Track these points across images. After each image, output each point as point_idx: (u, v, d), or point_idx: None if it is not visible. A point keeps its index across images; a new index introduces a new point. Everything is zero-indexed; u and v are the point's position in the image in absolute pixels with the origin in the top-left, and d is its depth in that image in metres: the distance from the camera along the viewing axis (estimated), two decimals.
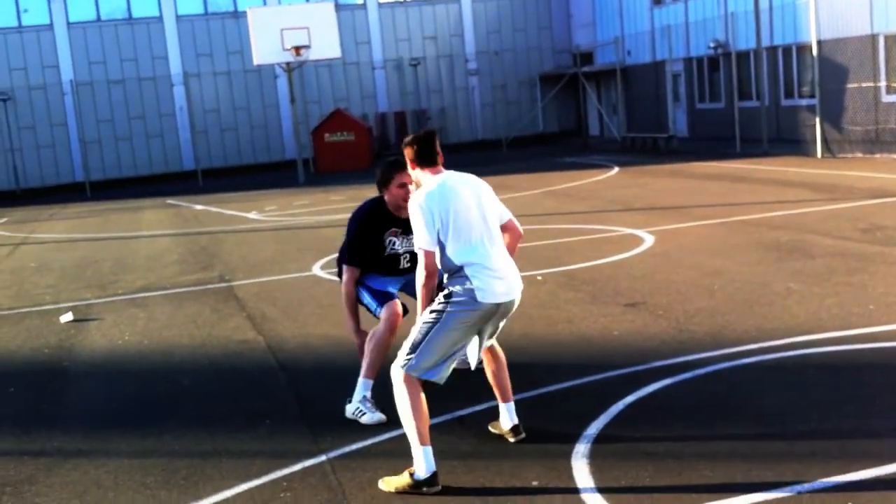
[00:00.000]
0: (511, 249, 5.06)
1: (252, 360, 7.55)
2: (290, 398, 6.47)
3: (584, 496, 4.37)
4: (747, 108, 24.81)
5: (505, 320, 5.02)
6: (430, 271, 4.77)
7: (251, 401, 6.43)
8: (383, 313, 5.82)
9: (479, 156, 31.34)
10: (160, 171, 32.62)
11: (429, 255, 4.75)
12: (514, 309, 4.96)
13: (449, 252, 4.77)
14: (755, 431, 5.03)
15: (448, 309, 4.73)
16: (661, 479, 4.48)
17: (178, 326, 8.88)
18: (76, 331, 9.14)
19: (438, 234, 4.75)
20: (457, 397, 5.79)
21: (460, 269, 4.76)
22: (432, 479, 4.60)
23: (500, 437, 5.22)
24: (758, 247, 10.25)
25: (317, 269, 11.32)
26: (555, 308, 8.27)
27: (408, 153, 5.05)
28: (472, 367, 5.14)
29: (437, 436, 5.21)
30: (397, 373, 4.79)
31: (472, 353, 5.03)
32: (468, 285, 4.72)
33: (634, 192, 16.95)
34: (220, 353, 7.84)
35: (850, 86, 21.17)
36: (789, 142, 22.95)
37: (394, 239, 5.94)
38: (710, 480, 4.41)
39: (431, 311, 4.77)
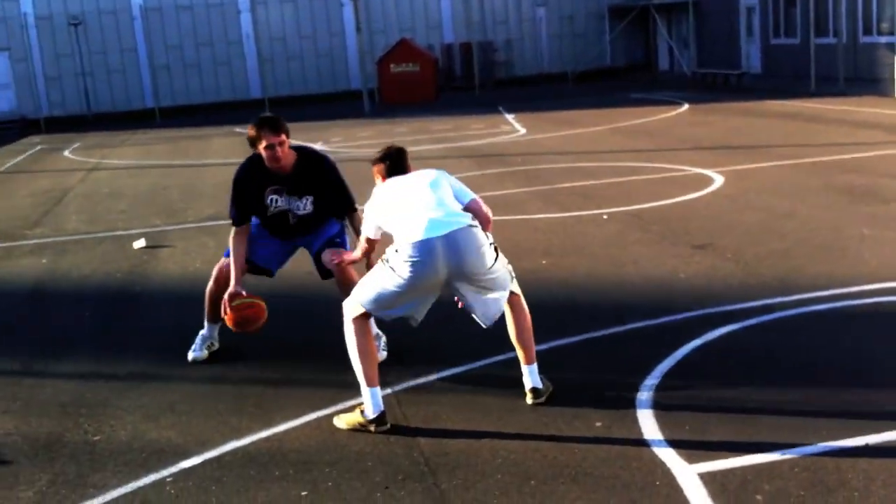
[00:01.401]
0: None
1: (320, 291, 7.64)
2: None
3: (650, 445, 4.36)
4: (823, 44, 24.05)
5: (485, 286, 4.71)
6: (363, 252, 5.19)
7: (319, 332, 6.52)
8: (221, 262, 5.99)
9: (546, 88, 30.98)
10: (227, 98, 32.83)
11: (367, 241, 5.09)
12: (479, 263, 4.63)
13: (399, 238, 4.69)
14: (826, 381, 4.97)
15: (386, 262, 4.69)
16: (726, 429, 4.45)
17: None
18: (149, 257, 9.34)
19: (383, 226, 4.89)
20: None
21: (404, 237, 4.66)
22: (380, 419, 4.69)
23: (564, 378, 5.23)
24: (829, 189, 10.03)
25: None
26: (621, 248, 8.22)
27: (379, 170, 5.08)
28: (484, 325, 4.93)
29: (504, 373, 5.26)
30: (347, 309, 4.83)
31: (482, 313, 4.82)
32: (398, 242, 4.66)
33: (704, 131, 16.65)
34: (288, 284, 7.94)
35: None
36: (867, 81, 22.24)
37: (275, 197, 5.77)
38: (779, 432, 4.38)
39: (381, 259, 4.76)
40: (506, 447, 4.44)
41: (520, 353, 4.99)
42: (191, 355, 6.07)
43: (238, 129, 24.07)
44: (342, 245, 5.95)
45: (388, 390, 5.24)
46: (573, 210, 10.07)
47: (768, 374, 5.14)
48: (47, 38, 32.14)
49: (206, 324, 6.17)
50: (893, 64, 20.59)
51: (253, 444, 4.73)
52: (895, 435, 4.21)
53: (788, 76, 25.72)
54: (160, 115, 30.60)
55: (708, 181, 11.11)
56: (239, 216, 5.88)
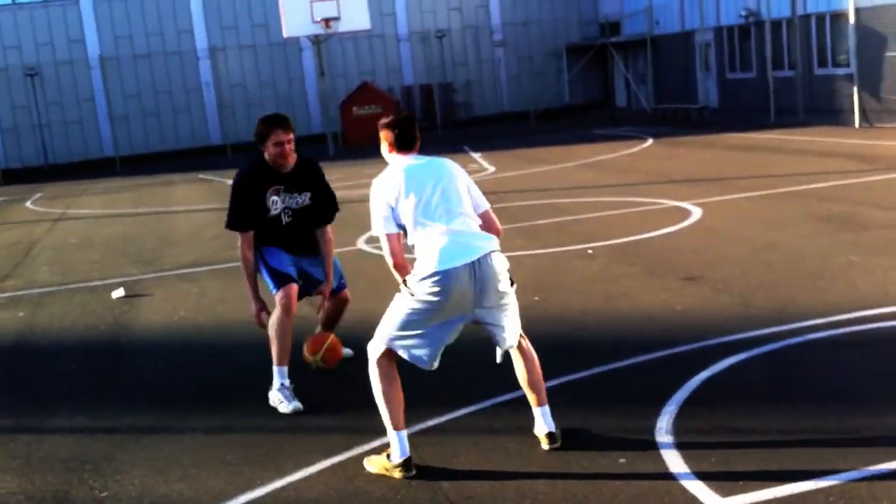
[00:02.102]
0: None
1: (311, 334, 7.54)
2: (356, 373, 6.45)
3: (679, 479, 4.32)
4: (780, 77, 24.53)
5: (506, 308, 4.69)
6: (392, 254, 4.70)
7: (317, 376, 6.42)
8: (279, 296, 5.88)
9: (508, 127, 31.19)
10: (187, 145, 32.60)
11: (388, 238, 4.69)
12: (501, 289, 4.62)
13: (410, 237, 4.69)
14: (839, 407, 4.98)
15: (406, 288, 4.61)
16: (752, 459, 4.42)
17: (232, 302, 8.89)
18: (129, 307, 9.17)
19: (396, 219, 4.68)
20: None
21: (420, 249, 4.63)
22: (406, 464, 4.58)
23: (578, 414, 5.19)
24: (809, 219, 10.15)
25: (361, 244, 11.31)
26: (610, 282, 8.22)
27: (386, 136, 4.85)
28: (497, 360, 4.92)
29: (516, 411, 5.19)
30: (371, 350, 4.75)
31: (509, 330, 4.76)
32: (424, 258, 4.59)
33: (673, 164, 16.82)
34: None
35: (889, 54, 20.86)
36: (825, 111, 22.68)
37: (275, 198, 5.98)
38: (805, 460, 4.36)
39: (400, 289, 4.69)
40: (532, 487, 4.37)
41: (531, 397, 4.86)
42: (287, 408, 5.69)
43: (201, 176, 23.92)
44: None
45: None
46: (556, 246, 10.08)
47: (781, 402, 5.15)
48: (3, 90, 31.76)
49: (278, 370, 5.82)
50: (852, 94, 21.01)
51: (269, 494, 4.61)
52: None
53: (746, 109, 26.14)
54: (120, 164, 30.30)
55: (685, 213, 11.19)
56: (242, 222, 5.97)
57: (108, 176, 27.64)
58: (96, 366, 7.40)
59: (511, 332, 4.75)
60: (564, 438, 4.81)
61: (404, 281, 4.65)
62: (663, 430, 4.85)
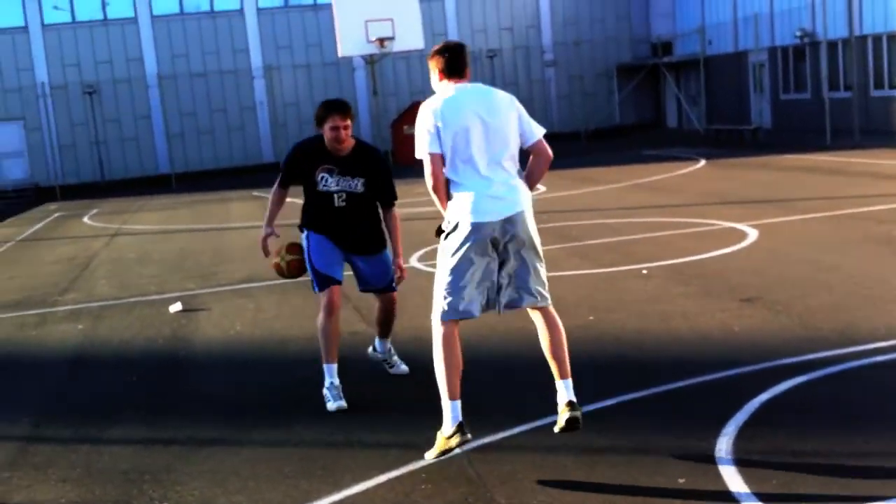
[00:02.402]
0: (537, 174, 5.02)
1: (365, 351, 7.58)
2: (409, 387, 6.48)
3: (740, 500, 4.25)
4: (836, 98, 24.23)
5: (526, 253, 4.86)
6: (433, 175, 4.83)
7: (373, 391, 6.45)
8: (322, 299, 6.09)
9: (558, 146, 31.05)
10: (240, 163, 33.04)
11: (431, 158, 4.79)
12: (524, 236, 4.81)
13: (446, 167, 4.83)
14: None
15: (444, 237, 4.85)
16: (814, 482, 4.36)
17: (287, 317, 8.97)
18: (187, 321, 9.29)
19: (440, 145, 4.79)
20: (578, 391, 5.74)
21: (454, 186, 4.83)
22: (460, 429, 4.73)
23: (637, 433, 5.15)
24: (869, 241, 9.99)
25: (415, 262, 11.35)
26: (666, 302, 8.16)
27: (437, 63, 5.00)
28: (533, 303, 4.96)
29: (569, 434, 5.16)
30: (433, 322, 4.92)
31: (532, 286, 4.91)
32: (457, 206, 4.79)
33: (727, 186, 16.67)
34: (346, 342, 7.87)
35: None
36: (881, 133, 22.35)
37: (325, 175, 6.10)
38: (868, 484, 4.29)
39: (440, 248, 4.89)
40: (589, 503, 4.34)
41: (554, 368, 4.95)
42: (332, 406, 5.99)
43: (255, 193, 24.18)
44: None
45: (457, 449, 5.14)
46: (609, 266, 10.04)
47: (845, 425, 5.06)
48: (62, 107, 32.48)
49: (326, 367, 6.14)
50: None
51: None
52: None
53: (800, 130, 25.86)
54: (175, 181, 30.78)
55: (742, 235, 11.08)
56: (285, 178, 6.34)
57: (164, 192, 28.09)
58: (155, 378, 7.50)
59: (534, 290, 4.89)
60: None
61: (439, 229, 4.87)
62: (723, 451, 4.79)
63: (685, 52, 33.54)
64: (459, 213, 4.78)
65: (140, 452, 5.68)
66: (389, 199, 6.27)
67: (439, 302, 4.88)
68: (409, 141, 30.73)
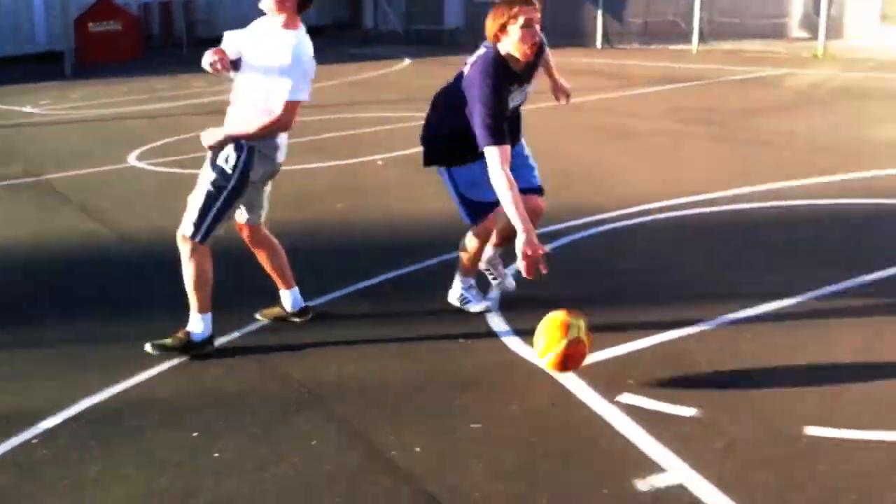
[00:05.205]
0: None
1: (106, 249, 7.26)
2: (162, 285, 6.30)
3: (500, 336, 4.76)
4: None
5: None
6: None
7: (127, 291, 6.22)
8: (479, 227, 5.19)
9: None
10: None
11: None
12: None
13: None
14: (648, 285, 5.51)
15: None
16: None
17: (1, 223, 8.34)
18: None
19: None
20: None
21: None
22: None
23: (423, 300, 5.40)
24: (586, 129, 10.82)
25: (133, 160, 10.84)
26: (408, 188, 8.43)
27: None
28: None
29: (355, 303, 5.30)
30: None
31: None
32: None
33: (437, 83, 17.13)
34: (66, 246, 7.46)
35: None
36: (569, 34, 23.86)
37: (512, 96, 4.86)
38: (633, 324, 4.83)
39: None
40: (381, 368, 4.56)
41: (279, 280, 5.21)
42: (479, 307, 5.24)
43: None
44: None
45: (235, 333, 5.14)
46: (346, 158, 10.16)
47: (578, 276, 5.69)
48: None
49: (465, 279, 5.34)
50: (596, 17, 22.25)
51: (112, 398, 4.47)
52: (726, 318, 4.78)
53: None
54: None
55: None
56: (503, 132, 4.62)
57: None
58: None
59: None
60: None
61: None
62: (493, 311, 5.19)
63: None
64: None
65: None
66: None
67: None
68: (95, 39, 28.84)
